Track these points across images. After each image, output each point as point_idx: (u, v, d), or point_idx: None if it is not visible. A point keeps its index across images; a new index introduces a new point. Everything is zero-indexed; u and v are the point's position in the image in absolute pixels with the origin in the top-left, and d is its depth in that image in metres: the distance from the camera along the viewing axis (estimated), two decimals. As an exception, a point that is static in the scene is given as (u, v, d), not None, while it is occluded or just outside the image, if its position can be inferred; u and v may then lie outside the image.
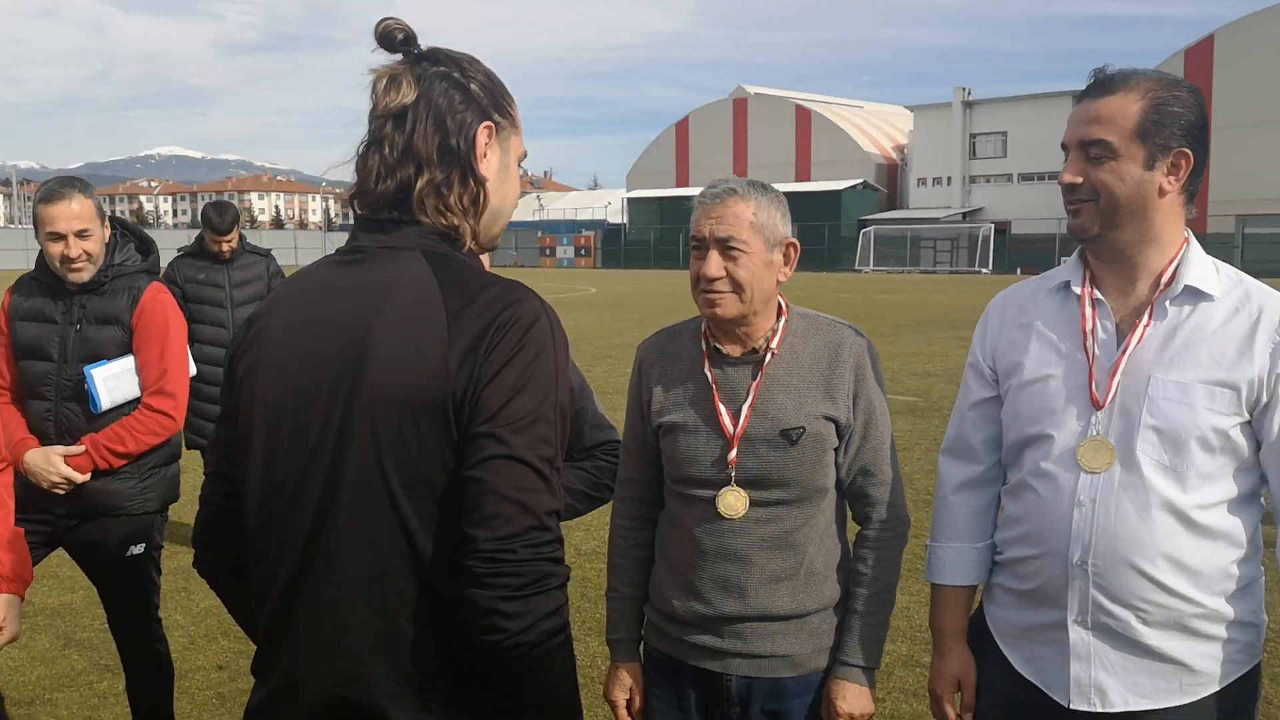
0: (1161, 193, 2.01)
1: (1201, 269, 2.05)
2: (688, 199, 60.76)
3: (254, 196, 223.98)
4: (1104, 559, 2.02)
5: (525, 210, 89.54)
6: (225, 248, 6.32)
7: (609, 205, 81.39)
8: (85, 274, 3.49)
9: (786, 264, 2.29)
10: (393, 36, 1.68)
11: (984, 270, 57.64)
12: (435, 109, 1.66)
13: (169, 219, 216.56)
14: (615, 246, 72.87)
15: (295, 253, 64.30)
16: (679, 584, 2.35)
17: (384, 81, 1.67)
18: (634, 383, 2.47)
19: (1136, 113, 1.99)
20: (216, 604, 5.27)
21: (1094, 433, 2.05)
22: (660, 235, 69.79)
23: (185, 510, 6.19)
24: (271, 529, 1.67)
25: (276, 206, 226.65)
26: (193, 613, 5.58)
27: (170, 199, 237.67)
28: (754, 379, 2.30)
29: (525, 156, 1.83)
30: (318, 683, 1.64)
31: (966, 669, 2.28)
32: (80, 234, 3.42)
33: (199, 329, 6.10)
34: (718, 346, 2.34)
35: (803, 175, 71.47)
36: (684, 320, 2.47)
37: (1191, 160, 2.01)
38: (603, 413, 2.74)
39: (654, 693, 2.44)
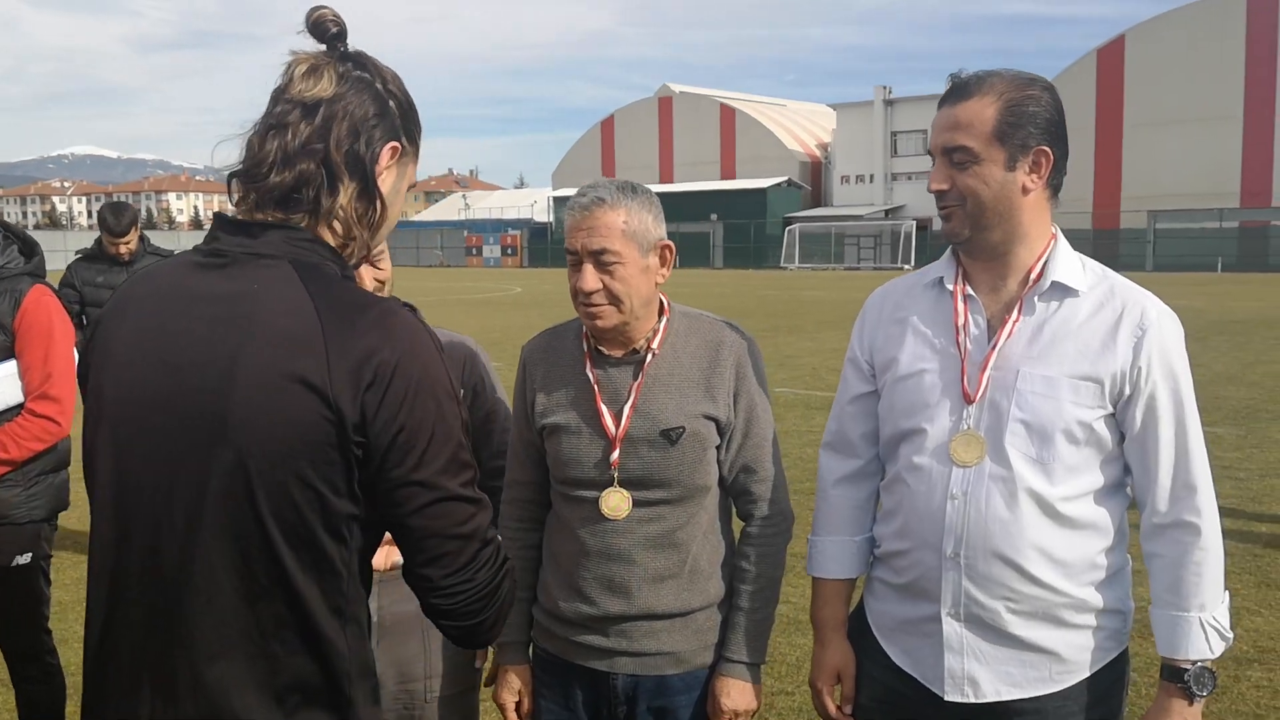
0: (1025, 191, 2.03)
1: (1068, 265, 2.09)
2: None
3: (172, 196, 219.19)
4: (975, 551, 2.05)
5: (451, 209, 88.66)
6: (123, 250, 6.15)
7: (535, 204, 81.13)
8: (-37, 278, 3.38)
9: (663, 265, 2.29)
10: (325, 28, 1.63)
11: (906, 266, 58.44)
12: (350, 115, 1.61)
13: (83, 220, 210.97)
14: (542, 245, 72.60)
15: (215, 253, 62.96)
16: (565, 584, 2.35)
17: (303, 68, 1.61)
18: (519, 383, 2.45)
19: (993, 116, 2.00)
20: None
21: (965, 426, 2.08)
22: (587, 234, 69.72)
23: (78, 519, 6.01)
24: (129, 553, 1.57)
25: (196, 206, 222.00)
26: (93, 624, 5.43)
27: (84, 199, 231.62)
28: (635, 379, 2.30)
29: (414, 186, 1.81)
30: (182, 713, 1.55)
31: (846, 661, 2.30)
32: (-42, 238, 3.33)
33: (97, 333, 5.95)
34: (600, 348, 2.33)
35: (728, 173, 71.95)
36: (567, 321, 2.46)
37: (1052, 157, 2.03)
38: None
39: (542, 693, 2.43)
